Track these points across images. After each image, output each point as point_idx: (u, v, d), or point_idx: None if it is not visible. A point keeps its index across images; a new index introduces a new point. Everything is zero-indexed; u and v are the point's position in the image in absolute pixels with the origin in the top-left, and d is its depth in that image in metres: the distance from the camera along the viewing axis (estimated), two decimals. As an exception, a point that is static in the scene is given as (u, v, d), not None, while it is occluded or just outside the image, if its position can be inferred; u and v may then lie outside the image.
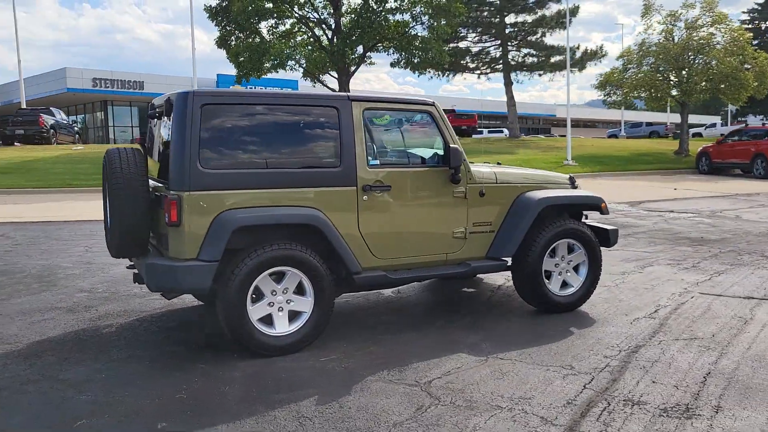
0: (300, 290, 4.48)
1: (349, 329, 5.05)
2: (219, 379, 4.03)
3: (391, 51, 27.70)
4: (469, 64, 36.92)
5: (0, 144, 26.40)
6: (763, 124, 32.74)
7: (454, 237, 5.06)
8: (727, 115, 57.57)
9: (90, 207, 12.58)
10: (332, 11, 27.06)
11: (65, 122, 29.32)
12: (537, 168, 7.57)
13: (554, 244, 5.31)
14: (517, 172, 5.61)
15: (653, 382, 3.90)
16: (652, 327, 5.00)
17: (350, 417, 3.46)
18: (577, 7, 33.38)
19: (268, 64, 26.15)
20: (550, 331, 4.94)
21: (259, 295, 4.37)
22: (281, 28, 27.64)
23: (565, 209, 5.62)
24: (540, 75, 36.54)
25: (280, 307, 4.43)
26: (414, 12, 26.42)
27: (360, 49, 27.39)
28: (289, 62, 26.46)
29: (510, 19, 35.04)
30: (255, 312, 4.33)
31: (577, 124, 67.94)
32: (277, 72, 27.33)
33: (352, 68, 28.09)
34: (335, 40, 26.63)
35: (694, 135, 45.41)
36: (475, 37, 36.26)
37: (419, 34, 27.00)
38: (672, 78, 27.46)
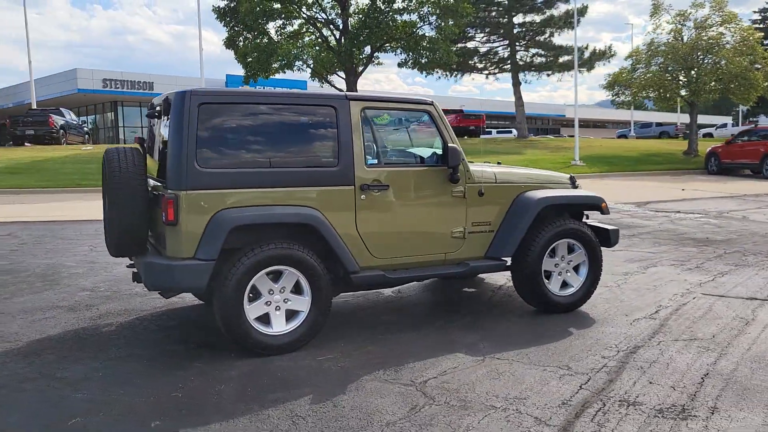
0: (297, 289, 4.49)
1: (348, 329, 5.05)
2: (215, 377, 4.04)
3: (398, 51, 27.73)
4: (477, 64, 36.89)
5: (11, 144, 26.65)
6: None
7: (452, 237, 5.04)
8: (739, 115, 57.21)
9: (97, 207, 12.48)
10: (340, 11, 27.11)
11: (75, 122, 29.51)
12: (542, 168, 7.55)
13: (554, 244, 5.29)
14: (517, 172, 5.59)
15: (650, 382, 3.88)
16: (652, 328, 4.97)
17: (343, 416, 3.46)
18: (586, 7, 33.30)
19: (275, 65, 26.27)
20: (549, 332, 4.92)
21: (256, 294, 4.38)
22: (289, 28, 27.77)
23: (566, 209, 5.60)
24: (548, 75, 36.46)
25: (278, 306, 4.43)
26: (421, 12, 26.47)
27: (368, 49, 27.44)
28: (297, 62, 26.56)
29: (518, 19, 35.03)
30: (252, 311, 4.34)
31: (587, 124, 67.71)
32: (285, 72, 27.44)
33: (360, 68, 28.12)
34: (343, 40, 26.68)
35: (705, 135, 45.15)
36: (483, 37, 36.24)
37: (427, 34, 27.02)
38: (681, 78, 27.30)
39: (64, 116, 27.75)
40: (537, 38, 35.25)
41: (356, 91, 26.41)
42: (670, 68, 27.11)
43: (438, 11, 26.02)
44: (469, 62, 36.18)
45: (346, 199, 4.62)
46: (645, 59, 27.48)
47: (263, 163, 4.43)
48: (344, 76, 28.03)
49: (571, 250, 5.43)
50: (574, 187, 5.79)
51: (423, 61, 27.47)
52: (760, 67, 25.56)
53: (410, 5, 26.18)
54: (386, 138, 5.17)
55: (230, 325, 4.27)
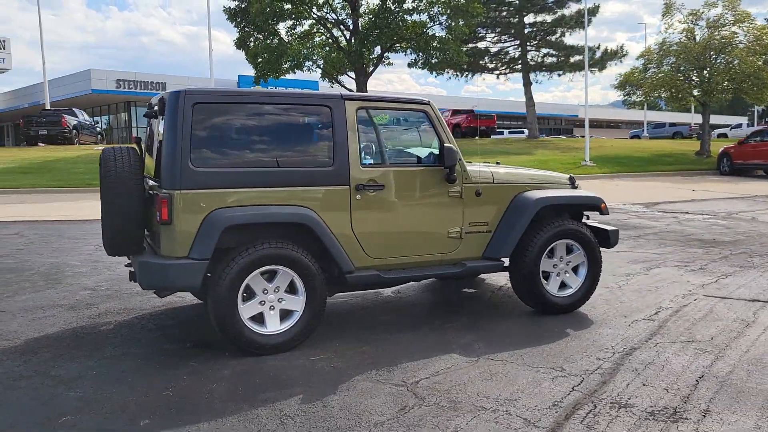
0: (292, 289, 4.49)
1: (344, 329, 5.05)
2: (208, 376, 4.05)
3: (408, 51, 27.70)
4: (487, 64, 36.71)
5: (24, 144, 26.94)
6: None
7: (449, 237, 5.03)
8: (754, 115, 56.62)
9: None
10: (350, 12, 27.12)
11: (88, 123, 29.77)
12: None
13: (552, 245, 5.26)
14: (515, 172, 5.55)
15: (643, 384, 3.84)
16: (650, 329, 4.92)
17: (332, 416, 3.46)
18: (597, 7, 33.00)
19: (286, 65, 26.32)
20: (546, 333, 4.89)
21: (250, 294, 4.39)
22: (299, 29, 27.82)
23: (565, 209, 5.56)
24: (559, 75, 36.24)
25: (272, 305, 4.44)
26: (432, 12, 26.40)
27: (378, 49, 27.43)
28: (307, 63, 26.59)
29: (529, 18, 34.78)
30: (246, 310, 4.35)
31: (600, 124, 67.32)
32: (295, 73, 27.50)
33: (370, 69, 28.12)
34: (353, 40, 26.68)
35: (719, 136, 44.70)
36: (493, 37, 36.04)
37: (437, 34, 26.97)
38: (693, 78, 27.05)
39: (77, 116, 28.01)
40: (548, 38, 35.01)
41: (366, 91, 26.42)
42: (682, 68, 26.86)
43: (448, 11, 25.94)
44: (480, 62, 36.01)
45: (342, 199, 4.61)
46: (657, 59, 27.25)
47: (258, 163, 4.43)
48: (354, 77, 28.04)
49: (569, 250, 5.39)
50: (574, 187, 5.75)
51: (433, 61, 27.40)
52: (773, 66, 25.27)
53: (420, 5, 26.14)
54: (382, 138, 5.16)
55: (224, 325, 4.28)
